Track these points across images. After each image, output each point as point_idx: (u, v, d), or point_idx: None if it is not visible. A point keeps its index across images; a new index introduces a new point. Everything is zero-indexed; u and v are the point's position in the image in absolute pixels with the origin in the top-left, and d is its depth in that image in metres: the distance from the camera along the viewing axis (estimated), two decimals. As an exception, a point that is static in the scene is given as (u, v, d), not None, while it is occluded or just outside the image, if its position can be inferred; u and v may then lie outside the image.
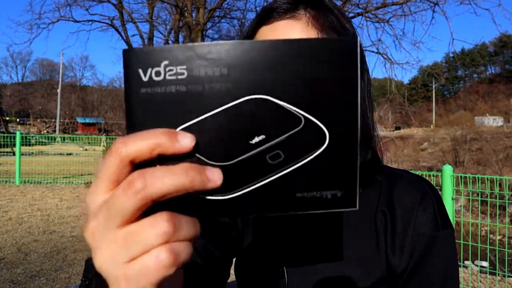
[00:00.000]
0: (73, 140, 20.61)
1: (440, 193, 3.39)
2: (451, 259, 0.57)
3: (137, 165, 0.26)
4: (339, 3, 11.60)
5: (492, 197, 3.37)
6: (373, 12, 11.50)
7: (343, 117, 0.28)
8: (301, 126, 0.28)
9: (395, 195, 0.58)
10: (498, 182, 3.28)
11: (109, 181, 0.26)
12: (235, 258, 0.73)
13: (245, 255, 0.71)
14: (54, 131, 49.12)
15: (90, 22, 16.10)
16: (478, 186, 3.64)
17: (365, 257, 0.58)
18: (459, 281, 0.58)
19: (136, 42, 33.68)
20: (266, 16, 0.58)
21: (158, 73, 0.27)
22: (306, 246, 0.63)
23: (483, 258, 4.49)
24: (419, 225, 0.56)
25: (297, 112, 0.28)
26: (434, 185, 2.89)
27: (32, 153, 14.12)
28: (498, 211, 7.80)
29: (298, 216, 0.64)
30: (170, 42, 18.19)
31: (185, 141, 0.25)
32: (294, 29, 0.55)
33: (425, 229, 0.56)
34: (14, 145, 10.16)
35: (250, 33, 0.61)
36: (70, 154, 16.44)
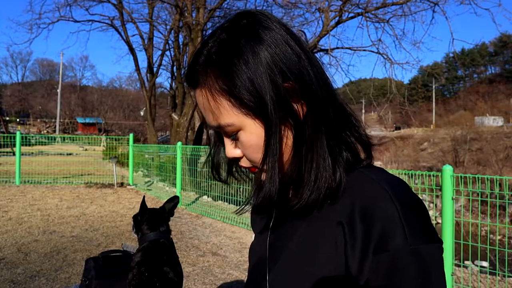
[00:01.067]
0: (73, 140, 20.62)
1: (440, 193, 3.40)
2: (423, 279, 0.50)
3: None
4: (339, 3, 11.61)
5: (492, 197, 3.36)
6: (373, 12, 11.49)
7: None
8: None
9: (357, 205, 0.55)
10: (498, 182, 3.28)
11: None
12: None
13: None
14: (54, 131, 49.11)
15: (90, 22, 16.11)
16: (478, 186, 3.64)
17: (324, 264, 0.58)
18: None
19: (136, 42, 33.68)
20: (188, 83, 0.64)
21: None
22: (281, 247, 0.66)
23: (483, 258, 4.50)
24: (381, 240, 0.51)
25: None
26: (434, 185, 2.83)
27: (32, 153, 14.12)
28: (498, 211, 7.80)
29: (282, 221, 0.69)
30: (170, 42, 18.18)
31: None
32: (202, 96, 0.61)
33: (388, 245, 0.51)
34: (14, 145, 10.16)
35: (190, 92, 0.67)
36: (70, 154, 16.44)
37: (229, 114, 0.59)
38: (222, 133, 0.64)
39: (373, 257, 0.52)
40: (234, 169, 0.73)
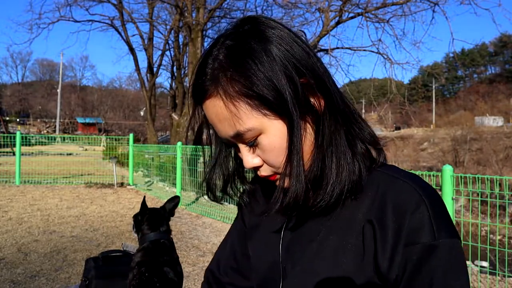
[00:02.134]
0: (73, 140, 20.60)
1: (440, 193, 3.40)
2: (450, 270, 0.53)
3: None
4: (339, 3, 11.60)
5: (492, 197, 3.36)
6: (373, 12, 11.49)
7: None
8: None
9: (387, 202, 0.56)
10: (498, 182, 3.27)
11: None
12: None
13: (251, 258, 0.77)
14: (54, 131, 49.11)
15: (90, 22, 16.11)
16: (478, 186, 3.64)
17: (350, 263, 0.58)
18: None
19: (136, 42, 33.61)
20: (196, 97, 0.62)
21: None
22: (301, 248, 0.65)
23: (483, 258, 4.49)
24: (412, 234, 0.53)
25: None
26: (434, 185, 2.84)
27: (32, 153, 14.12)
28: (498, 211, 7.79)
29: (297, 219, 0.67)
30: (170, 42, 18.18)
31: None
32: (217, 106, 0.58)
33: (418, 238, 0.53)
34: (14, 145, 10.15)
35: (196, 108, 0.65)
36: (70, 154, 16.44)
37: (249, 118, 0.57)
38: (239, 142, 0.61)
39: (404, 249, 0.53)
40: (228, 187, 0.72)
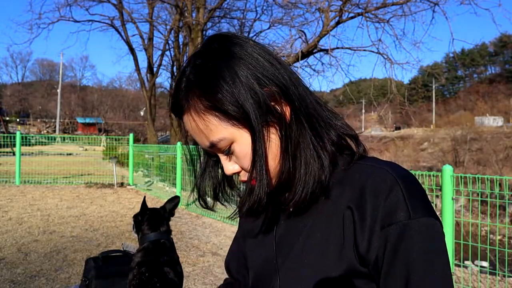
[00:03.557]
0: (73, 140, 20.60)
1: (440, 193, 3.40)
2: (428, 248, 0.54)
3: None
4: (339, 3, 11.60)
5: (492, 197, 3.36)
6: (373, 12, 11.48)
7: None
8: None
9: (366, 190, 0.59)
10: (498, 182, 3.27)
11: None
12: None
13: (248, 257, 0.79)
14: (54, 131, 49.12)
15: (90, 22, 16.13)
16: (478, 186, 3.64)
17: (331, 252, 0.61)
18: (445, 275, 0.55)
19: (136, 42, 33.59)
20: (174, 112, 0.67)
21: None
22: (290, 244, 0.68)
23: (483, 258, 4.50)
24: (388, 215, 0.56)
25: None
26: (434, 185, 2.84)
27: (32, 153, 14.11)
28: (498, 211, 7.79)
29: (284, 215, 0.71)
30: (170, 42, 18.17)
31: None
32: (190, 121, 0.64)
33: (394, 219, 0.55)
34: (14, 145, 10.16)
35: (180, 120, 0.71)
36: (70, 154, 16.44)
37: (219, 129, 0.62)
38: (217, 152, 0.66)
39: (381, 231, 0.56)
40: (219, 194, 0.76)
